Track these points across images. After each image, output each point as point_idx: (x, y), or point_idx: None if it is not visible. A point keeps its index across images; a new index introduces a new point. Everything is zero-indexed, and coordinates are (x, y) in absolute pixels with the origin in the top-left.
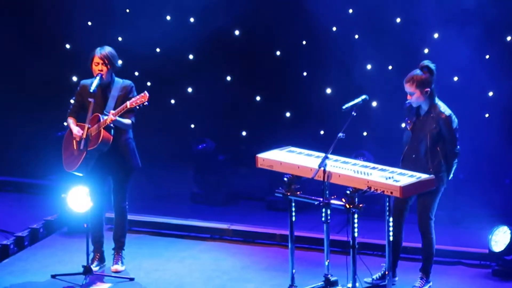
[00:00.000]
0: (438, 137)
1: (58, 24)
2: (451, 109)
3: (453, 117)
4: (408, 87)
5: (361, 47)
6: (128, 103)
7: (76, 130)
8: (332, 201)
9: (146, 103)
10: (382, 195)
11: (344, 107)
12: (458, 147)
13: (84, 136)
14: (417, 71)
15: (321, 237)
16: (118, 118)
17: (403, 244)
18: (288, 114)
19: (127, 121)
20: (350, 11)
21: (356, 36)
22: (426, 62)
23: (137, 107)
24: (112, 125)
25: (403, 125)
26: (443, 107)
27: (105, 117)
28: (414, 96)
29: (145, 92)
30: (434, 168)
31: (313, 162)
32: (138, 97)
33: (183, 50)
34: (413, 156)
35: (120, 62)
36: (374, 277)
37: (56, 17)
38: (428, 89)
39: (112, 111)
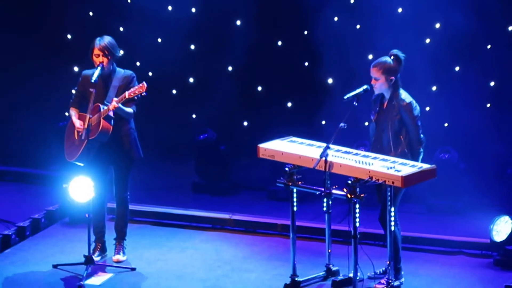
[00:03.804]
0: (400, 126)
1: (59, 14)
2: (452, 99)
3: (414, 104)
4: (374, 72)
5: (362, 37)
6: (126, 93)
7: (78, 123)
8: (334, 191)
9: (144, 93)
10: (383, 185)
11: (345, 97)
12: (422, 135)
13: (86, 126)
14: (386, 58)
15: (322, 227)
16: (121, 106)
17: (403, 234)
18: (289, 104)
19: (129, 109)
20: (352, 1)
21: (358, 26)
22: (396, 51)
23: (136, 97)
24: (113, 115)
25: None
26: (404, 95)
27: (105, 107)
28: (378, 82)
29: (143, 82)
30: (398, 158)
31: (315, 152)
32: (136, 87)
33: (185, 40)
34: (378, 146)
35: (121, 52)
36: (377, 271)
37: (58, 8)
38: (393, 78)
39: (115, 99)
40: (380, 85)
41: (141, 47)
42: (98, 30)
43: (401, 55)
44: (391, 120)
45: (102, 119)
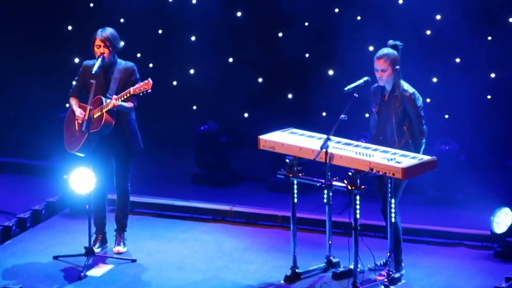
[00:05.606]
0: (404, 116)
1: (60, 5)
2: (452, 91)
3: (417, 95)
4: (381, 64)
5: (363, 29)
6: (131, 89)
7: (78, 111)
8: (334, 183)
9: (150, 90)
10: (384, 176)
11: (346, 89)
12: (425, 126)
13: (86, 117)
14: (389, 49)
15: (323, 219)
16: (121, 103)
17: (403, 226)
18: (290, 96)
19: (130, 104)
20: None
21: (359, 18)
22: (393, 41)
23: (141, 94)
24: (114, 108)
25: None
26: (407, 86)
27: (108, 101)
28: (385, 74)
29: (149, 79)
30: (402, 149)
31: (315, 144)
32: (142, 84)
33: (185, 31)
34: (381, 138)
35: (122, 43)
36: (378, 263)
37: None
38: (398, 67)
39: (115, 96)
40: (387, 76)
41: (142, 39)
42: (99, 21)
43: (399, 44)
44: (394, 111)
45: (104, 113)
